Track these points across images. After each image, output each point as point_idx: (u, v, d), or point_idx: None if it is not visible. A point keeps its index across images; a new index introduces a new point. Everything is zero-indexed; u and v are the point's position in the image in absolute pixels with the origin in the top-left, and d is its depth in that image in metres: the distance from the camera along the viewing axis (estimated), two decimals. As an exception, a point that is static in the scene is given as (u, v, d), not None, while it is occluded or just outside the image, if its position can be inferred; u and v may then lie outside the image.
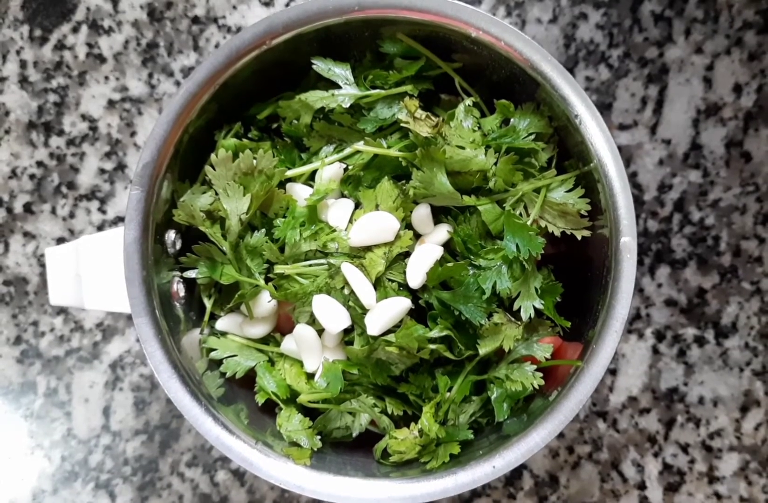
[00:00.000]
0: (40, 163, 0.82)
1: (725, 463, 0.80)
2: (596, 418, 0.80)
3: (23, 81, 0.82)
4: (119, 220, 0.82)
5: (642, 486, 0.80)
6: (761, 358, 0.80)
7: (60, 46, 0.82)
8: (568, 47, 0.80)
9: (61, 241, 0.82)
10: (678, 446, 0.80)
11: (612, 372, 0.80)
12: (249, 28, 0.56)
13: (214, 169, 0.57)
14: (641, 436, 0.80)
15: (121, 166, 0.82)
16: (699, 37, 0.80)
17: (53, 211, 0.82)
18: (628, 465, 0.80)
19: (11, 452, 0.81)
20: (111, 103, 0.82)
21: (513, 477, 0.80)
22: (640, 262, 0.80)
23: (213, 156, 0.57)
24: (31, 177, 0.82)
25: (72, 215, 0.82)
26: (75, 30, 0.82)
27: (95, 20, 0.82)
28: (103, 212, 0.81)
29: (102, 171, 0.82)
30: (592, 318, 0.57)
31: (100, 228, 0.82)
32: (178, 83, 0.82)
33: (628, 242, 0.54)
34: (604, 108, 0.80)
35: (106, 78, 0.82)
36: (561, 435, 0.80)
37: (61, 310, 0.81)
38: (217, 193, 0.57)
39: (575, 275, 0.60)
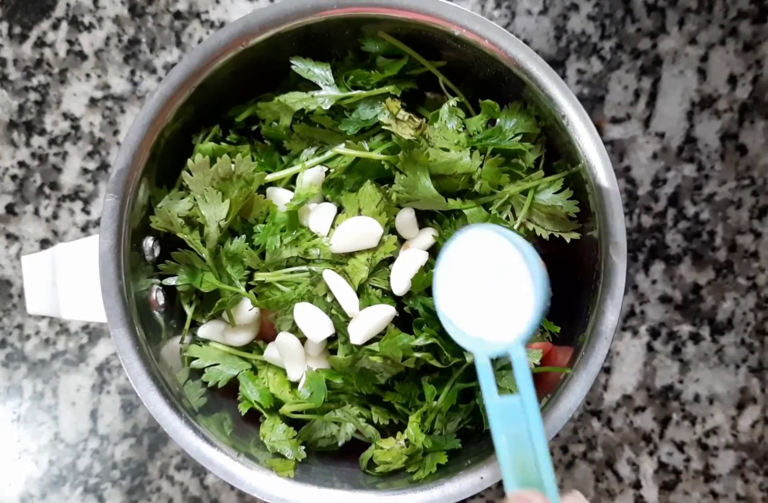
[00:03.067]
0: (21, 164, 0.80)
1: (721, 461, 0.79)
2: (590, 417, 0.79)
3: (3, 79, 0.80)
4: (103, 220, 0.80)
5: (637, 485, 0.79)
6: (757, 355, 0.78)
7: (40, 44, 0.80)
8: (559, 39, 0.78)
9: (44, 242, 0.80)
10: (673, 444, 0.79)
11: (606, 370, 0.79)
12: (225, 28, 0.55)
13: (191, 175, 0.56)
14: (636, 435, 0.79)
15: (104, 166, 0.80)
16: (693, 28, 0.78)
17: (36, 212, 0.80)
18: (623, 464, 0.79)
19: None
20: (93, 101, 0.80)
21: (506, 478, 0.79)
22: (634, 259, 0.79)
23: (190, 161, 0.56)
24: (13, 177, 0.80)
25: (55, 216, 0.80)
26: (55, 27, 0.80)
27: (75, 16, 0.80)
28: (87, 213, 0.80)
29: (85, 171, 0.80)
30: (582, 323, 0.55)
31: (83, 229, 0.80)
32: (161, 80, 0.80)
33: (617, 245, 0.53)
34: (597, 101, 0.78)
35: (88, 75, 0.80)
36: (555, 435, 0.79)
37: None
38: (195, 199, 0.56)
39: (565, 278, 0.59)
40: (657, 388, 0.79)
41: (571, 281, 0.58)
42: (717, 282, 0.79)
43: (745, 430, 0.79)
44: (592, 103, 0.78)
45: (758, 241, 0.78)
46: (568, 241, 0.57)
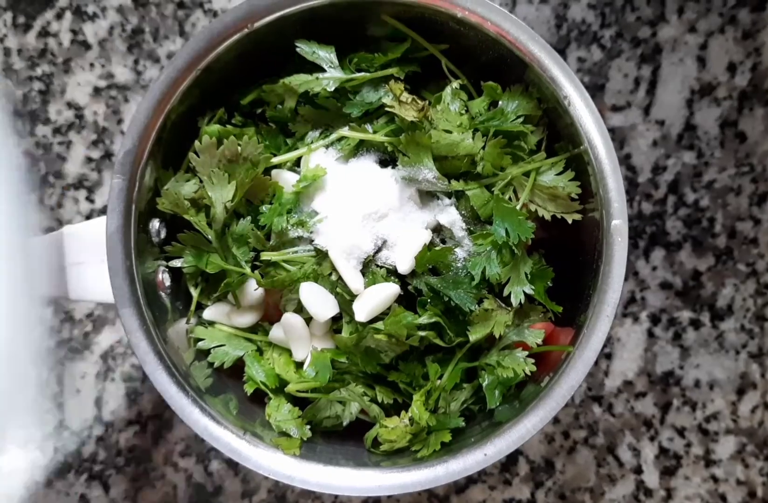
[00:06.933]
0: (26, 153, 0.81)
1: (722, 446, 0.79)
2: (592, 403, 0.80)
3: (7, 69, 0.81)
4: (108, 208, 0.81)
5: (638, 471, 0.79)
6: (757, 340, 0.79)
7: (44, 33, 0.81)
8: (560, 28, 0.79)
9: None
10: (674, 430, 0.79)
11: (607, 356, 0.80)
12: (230, 11, 0.55)
13: (198, 156, 0.56)
14: (637, 420, 0.79)
15: (108, 155, 0.81)
16: (692, 16, 0.78)
17: (41, 201, 0.81)
18: (624, 449, 0.79)
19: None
20: (97, 91, 0.81)
21: (508, 463, 0.80)
22: (634, 245, 0.79)
23: (197, 143, 0.56)
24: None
25: (60, 205, 0.81)
26: (59, 16, 0.81)
27: (79, 6, 0.81)
28: (91, 201, 0.81)
29: (89, 159, 0.81)
30: (584, 303, 0.56)
31: (88, 217, 0.81)
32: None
33: (618, 225, 0.54)
34: (597, 89, 0.79)
35: (92, 65, 0.81)
36: (556, 420, 0.80)
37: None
38: (201, 181, 0.57)
39: (567, 259, 0.59)
40: (657, 374, 0.79)
41: (573, 262, 0.59)
42: (717, 269, 0.79)
43: (745, 415, 0.79)
44: (593, 91, 0.79)
45: (758, 228, 0.79)
46: (570, 222, 0.57)
